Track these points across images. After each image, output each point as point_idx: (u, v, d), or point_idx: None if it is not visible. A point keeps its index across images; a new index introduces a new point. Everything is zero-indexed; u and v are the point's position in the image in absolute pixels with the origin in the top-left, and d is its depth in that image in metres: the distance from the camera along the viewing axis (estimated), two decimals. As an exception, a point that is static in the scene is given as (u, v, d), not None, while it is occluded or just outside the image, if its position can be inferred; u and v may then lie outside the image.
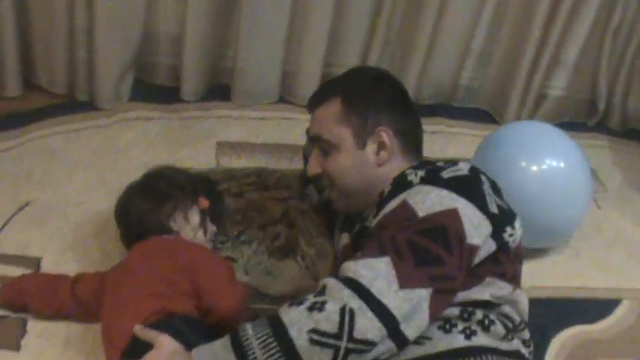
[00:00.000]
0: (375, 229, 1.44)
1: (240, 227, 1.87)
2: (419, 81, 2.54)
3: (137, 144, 2.23)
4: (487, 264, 1.41)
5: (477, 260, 1.38)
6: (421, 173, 1.48)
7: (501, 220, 1.43)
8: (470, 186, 1.44)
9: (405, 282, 1.26)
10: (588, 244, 2.23)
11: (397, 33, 2.48)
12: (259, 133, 2.37)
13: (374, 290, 1.24)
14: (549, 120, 2.66)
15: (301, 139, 1.98)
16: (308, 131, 1.75)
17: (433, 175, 1.46)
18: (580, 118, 2.81)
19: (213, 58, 2.43)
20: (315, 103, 1.70)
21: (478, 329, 1.35)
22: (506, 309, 1.41)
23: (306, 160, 1.87)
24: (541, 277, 2.07)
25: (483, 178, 1.48)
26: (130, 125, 2.31)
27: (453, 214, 1.36)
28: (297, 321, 1.23)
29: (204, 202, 1.72)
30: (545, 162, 1.97)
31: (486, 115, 2.71)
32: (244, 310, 1.56)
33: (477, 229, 1.37)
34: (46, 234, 1.87)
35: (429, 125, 2.48)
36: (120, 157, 2.17)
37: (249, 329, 1.27)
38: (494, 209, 1.42)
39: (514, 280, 1.48)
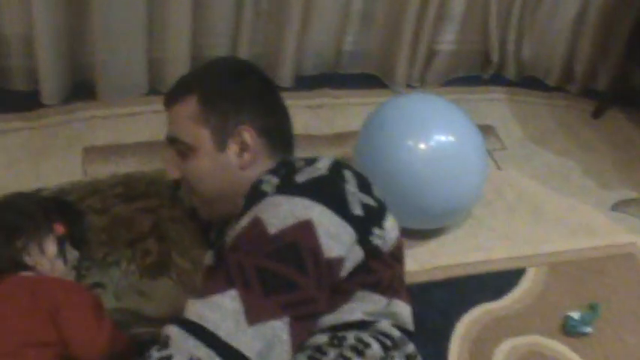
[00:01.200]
0: (226, 252, 1.29)
1: (106, 248, 1.72)
2: (298, 51, 2.38)
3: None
4: (357, 275, 1.27)
5: (343, 273, 1.25)
6: (276, 181, 1.33)
7: (367, 221, 1.29)
8: (327, 188, 1.29)
9: (255, 316, 1.13)
10: (490, 211, 2.14)
11: (268, 2, 2.30)
12: (130, 133, 2.19)
13: (222, 334, 1.11)
14: (442, 76, 2.58)
15: None
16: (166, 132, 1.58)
17: (287, 181, 1.31)
18: (475, 72, 2.69)
19: (72, 55, 2.22)
20: (170, 100, 1.51)
21: (352, 355, 1.22)
22: (384, 325, 1.29)
23: None
24: (441, 256, 1.98)
25: (347, 174, 1.33)
26: (-9, 140, 2.13)
27: (305, 228, 1.21)
28: None
29: (60, 228, 1.54)
30: (432, 138, 1.85)
31: (375, 80, 2.56)
32: (115, 349, 1.41)
33: (336, 239, 1.23)
34: None
35: (313, 99, 2.38)
36: (-23, 179, 1.99)
37: None
38: (357, 211, 1.28)
39: (391, 288, 1.34)
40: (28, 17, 2.10)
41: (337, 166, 1.35)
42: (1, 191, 1.78)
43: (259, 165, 1.44)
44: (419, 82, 2.55)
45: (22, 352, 1.32)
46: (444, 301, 1.86)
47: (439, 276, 1.91)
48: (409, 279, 1.83)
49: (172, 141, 1.49)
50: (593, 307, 1.88)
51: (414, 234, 1.97)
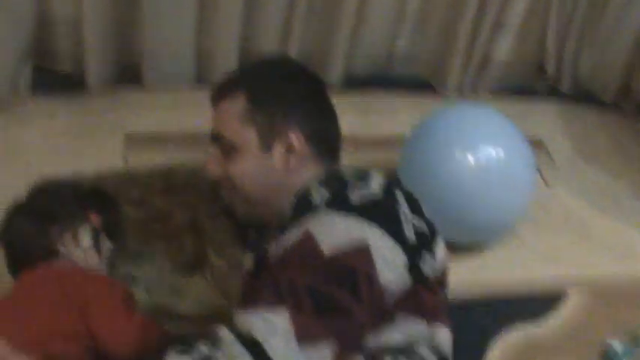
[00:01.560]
0: (275, 265, 1.25)
1: (141, 241, 1.70)
2: (349, 51, 2.32)
3: (38, 145, 2.03)
4: (401, 299, 1.23)
5: (392, 300, 1.21)
6: (326, 194, 1.29)
7: (419, 247, 1.25)
8: (383, 210, 1.25)
9: (305, 338, 1.10)
10: (535, 229, 2.06)
11: (320, 1, 2.24)
12: (173, 122, 2.15)
13: (269, 349, 1.08)
14: (495, 85, 2.50)
15: None
16: (210, 129, 1.53)
17: (340, 197, 1.27)
18: (529, 83, 2.60)
19: (120, 40, 2.19)
20: (218, 96, 1.47)
21: (390, 379, 1.20)
22: (422, 350, 1.24)
23: None
24: (481, 273, 1.92)
25: (399, 197, 1.29)
26: (30, 122, 2.09)
27: (363, 253, 1.17)
28: None
29: (95, 218, 1.52)
30: (481, 150, 1.80)
31: (426, 85, 2.49)
32: (148, 344, 1.39)
33: (390, 264, 1.19)
34: None
35: (361, 100, 2.33)
36: (18, 161, 1.96)
37: None
38: (411, 235, 1.24)
39: (433, 313, 1.29)
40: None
41: (390, 187, 1.31)
42: (42, 175, 1.77)
43: (305, 171, 1.40)
44: (471, 89, 2.48)
45: (49, 341, 1.31)
46: (480, 320, 1.80)
47: (477, 293, 1.85)
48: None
49: (217, 138, 1.46)
50: (636, 338, 1.81)
51: (455, 248, 1.88)
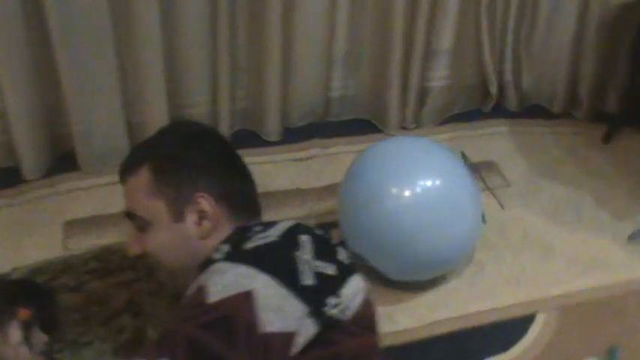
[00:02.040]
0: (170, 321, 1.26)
1: (80, 327, 1.64)
2: (283, 103, 2.29)
3: (-23, 241, 2.00)
4: (314, 348, 1.16)
5: (295, 349, 1.14)
6: (226, 248, 1.26)
7: (320, 291, 1.19)
8: (275, 256, 1.21)
9: None
10: (493, 254, 1.99)
11: (246, 55, 2.23)
12: (111, 202, 2.09)
13: None
14: (438, 114, 2.46)
15: None
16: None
17: (237, 247, 1.24)
18: (473, 106, 2.56)
19: (50, 128, 2.18)
20: (124, 174, 1.45)
21: None
22: None
23: None
24: (441, 308, 1.83)
25: (303, 239, 1.24)
26: (-32, 220, 2.08)
27: (244, 299, 1.13)
28: None
29: (24, 313, 1.45)
30: (417, 183, 1.73)
31: (368, 125, 2.44)
32: None
33: (278, 312, 1.13)
34: None
35: (301, 151, 2.29)
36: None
37: None
38: (308, 280, 1.18)
39: (356, 355, 1.22)
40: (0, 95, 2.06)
41: (292, 232, 1.26)
42: None
43: (221, 232, 1.36)
44: (414, 122, 2.43)
45: None
46: (446, 358, 1.72)
47: (440, 330, 1.77)
48: (407, 337, 1.73)
49: (130, 216, 1.43)
50: (612, 352, 1.72)
51: (409, 287, 1.84)
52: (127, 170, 1.44)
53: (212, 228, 1.36)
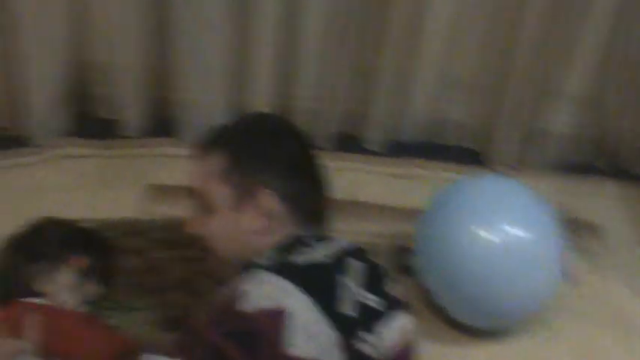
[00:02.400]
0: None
1: (133, 292, 1.67)
2: (392, 115, 2.22)
3: (63, 186, 2.04)
4: None
5: None
6: (274, 255, 1.24)
7: (355, 323, 1.16)
8: (319, 277, 1.18)
9: None
10: (574, 321, 1.82)
11: (362, 61, 2.16)
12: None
13: None
14: (546, 160, 2.32)
15: None
16: None
17: (282, 259, 1.22)
18: (586, 159, 2.38)
19: (154, 90, 2.19)
20: (199, 152, 1.43)
21: None
22: None
23: None
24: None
25: (352, 265, 1.21)
26: (60, 164, 2.12)
27: (276, 316, 1.10)
28: None
29: (80, 261, 1.52)
30: (499, 227, 1.63)
31: (473, 155, 2.34)
32: None
33: (308, 336, 1.11)
34: None
35: (399, 167, 2.21)
36: (41, 200, 1.96)
37: None
38: (347, 309, 1.16)
39: None
40: (112, 47, 2.10)
41: (344, 254, 1.24)
42: (57, 212, 1.78)
43: (277, 233, 1.32)
44: (519, 163, 2.30)
45: None
46: None
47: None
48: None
49: (194, 194, 1.41)
50: None
51: (469, 331, 1.74)
52: (202, 149, 1.42)
53: (269, 227, 1.32)
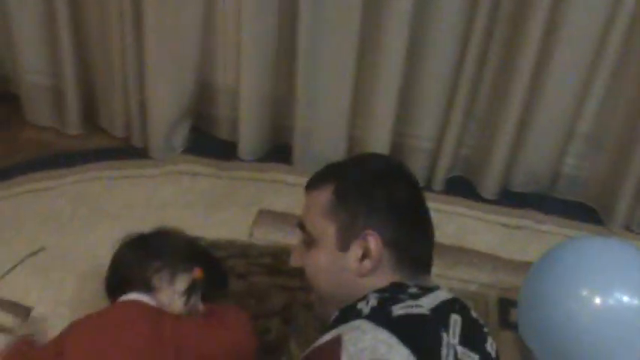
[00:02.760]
0: None
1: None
2: (509, 164, 2.17)
3: (175, 200, 2.10)
4: None
5: None
6: (373, 302, 1.20)
7: None
8: (421, 332, 1.13)
9: None
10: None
11: (484, 106, 2.13)
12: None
13: None
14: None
15: None
16: None
17: (383, 308, 1.17)
18: None
19: (274, 115, 2.23)
20: (311, 184, 1.44)
21: None
22: None
23: None
24: None
25: (454, 319, 1.17)
26: (175, 179, 2.17)
27: None
28: None
29: (198, 272, 1.56)
30: (612, 294, 1.55)
31: (590, 213, 2.24)
32: None
33: None
34: (47, 284, 1.80)
35: (513, 218, 2.16)
36: (152, 212, 2.04)
37: None
38: None
39: None
40: (236, 70, 2.14)
41: (446, 308, 1.20)
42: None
43: (379, 276, 1.30)
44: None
45: None
46: None
47: None
48: None
49: (300, 227, 1.42)
50: None
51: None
52: (312, 183, 1.43)
53: (371, 270, 1.30)
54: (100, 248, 1.86)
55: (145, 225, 1.93)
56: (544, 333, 1.65)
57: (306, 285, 1.64)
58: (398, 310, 1.15)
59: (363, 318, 1.16)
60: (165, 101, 2.15)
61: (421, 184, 2.16)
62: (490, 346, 1.20)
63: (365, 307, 1.19)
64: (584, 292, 1.56)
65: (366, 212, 1.32)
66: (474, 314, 1.23)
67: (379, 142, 2.15)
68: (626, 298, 1.56)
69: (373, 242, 1.30)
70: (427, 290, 1.23)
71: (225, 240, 1.91)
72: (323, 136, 2.19)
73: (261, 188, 2.16)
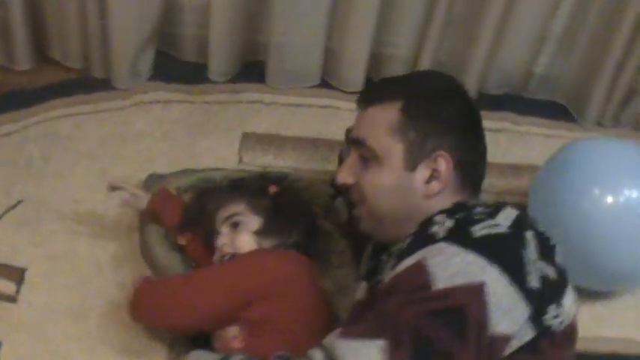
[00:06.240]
0: (381, 292, 1.17)
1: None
2: (485, 66, 2.15)
3: (151, 132, 1.98)
4: (519, 354, 1.10)
5: (506, 352, 1.08)
6: (449, 224, 1.18)
7: (543, 297, 1.11)
8: (507, 250, 1.12)
9: None
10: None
11: (460, 11, 2.09)
12: (292, 124, 2.05)
13: None
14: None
15: (341, 134, 1.64)
16: (349, 131, 1.43)
17: (462, 229, 1.15)
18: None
19: (246, 32, 2.11)
20: (369, 99, 1.38)
21: None
22: None
23: (340, 163, 1.59)
24: (608, 325, 1.72)
25: (529, 236, 1.15)
26: (147, 109, 2.05)
27: (476, 293, 1.06)
28: None
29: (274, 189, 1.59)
30: (622, 191, 1.61)
31: (563, 111, 2.28)
32: None
33: (506, 314, 1.06)
34: (36, 239, 1.69)
35: (493, 121, 2.14)
36: (129, 147, 1.93)
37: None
38: (534, 283, 1.10)
39: None
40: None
41: (519, 224, 1.17)
42: (156, 161, 1.84)
43: (443, 198, 1.29)
44: (612, 121, 2.25)
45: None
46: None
47: (601, 347, 1.67)
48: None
49: (357, 143, 1.35)
50: None
51: (579, 293, 1.73)
52: (374, 98, 1.36)
53: (438, 190, 1.29)
54: (81, 192, 1.82)
55: (124, 162, 1.88)
56: (557, 236, 1.69)
57: (322, 210, 1.62)
58: (479, 230, 1.14)
59: (441, 241, 1.15)
60: (129, 24, 1.99)
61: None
62: (559, 258, 1.20)
63: (440, 230, 1.18)
64: (596, 192, 1.62)
65: (436, 132, 1.30)
66: (541, 227, 1.21)
67: (358, 53, 2.10)
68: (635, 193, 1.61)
69: (444, 164, 1.28)
70: (496, 208, 1.21)
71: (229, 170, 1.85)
72: (298, 51, 2.10)
73: (239, 111, 2.08)
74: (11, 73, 2.11)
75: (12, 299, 1.55)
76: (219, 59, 2.11)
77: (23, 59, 2.09)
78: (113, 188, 1.66)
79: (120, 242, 1.69)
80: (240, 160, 1.93)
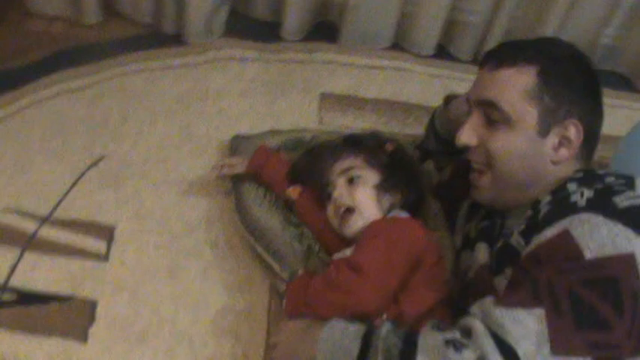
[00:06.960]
0: (527, 261, 1.16)
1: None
2: (554, 35, 2.12)
3: (229, 90, 1.94)
4: None
5: None
6: (588, 194, 1.17)
7: None
8: None
9: (560, 347, 1.02)
10: None
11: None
12: (369, 85, 2.03)
13: (520, 351, 1.03)
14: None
15: (415, 97, 1.64)
16: (473, 92, 1.37)
17: (604, 200, 1.15)
18: None
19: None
20: (501, 62, 1.32)
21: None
22: None
23: (431, 125, 1.60)
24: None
25: None
26: (222, 66, 2.00)
27: (627, 263, 1.06)
28: (429, 349, 1.10)
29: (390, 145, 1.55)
30: None
31: (624, 82, 2.28)
32: None
33: None
34: (121, 197, 1.64)
35: None
36: (208, 105, 1.88)
37: (384, 330, 1.18)
38: None
39: None
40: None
41: None
42: (238, 120, 1.79)
43: (568, 165, 1.28)
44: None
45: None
46: None
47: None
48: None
49: (486, 104, 1.31)
50: None
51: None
52: (508, 60, 1.31)
53: (567, 157, 1.27)
54: (163, 150, 1.77)
55: (205, 120, 1.84)
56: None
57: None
58: (622, 201, 1.13)
59: (583, 211, 1.13)
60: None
61: (470, 58, 2.16)
62: None
63: (580, 199, 1.16)
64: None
65: (570, 99, 1.28)
66: None
67: (433, 18, 2.08)
68: None
69: (575, 132, 1.27)
70: (630, 179, 1.21)
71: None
72: (373, 12, 2.07)
73: (314, 70, 2.05)
74: (76, 27, 2.05)
75: (104, 258, 1.52)
76: (293, 18, 2.08)
77: (91, 13, 2.03)
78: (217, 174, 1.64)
79: (209, 202, 1.66)
80: (321, 121, 1.90)
